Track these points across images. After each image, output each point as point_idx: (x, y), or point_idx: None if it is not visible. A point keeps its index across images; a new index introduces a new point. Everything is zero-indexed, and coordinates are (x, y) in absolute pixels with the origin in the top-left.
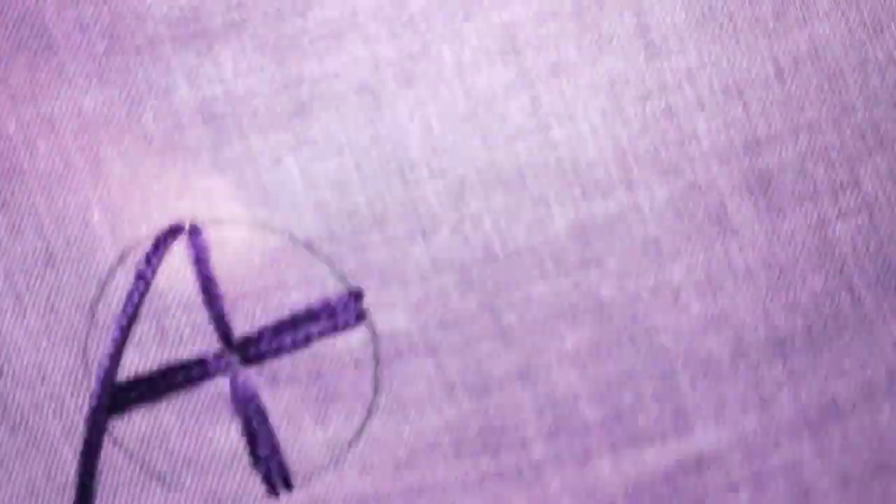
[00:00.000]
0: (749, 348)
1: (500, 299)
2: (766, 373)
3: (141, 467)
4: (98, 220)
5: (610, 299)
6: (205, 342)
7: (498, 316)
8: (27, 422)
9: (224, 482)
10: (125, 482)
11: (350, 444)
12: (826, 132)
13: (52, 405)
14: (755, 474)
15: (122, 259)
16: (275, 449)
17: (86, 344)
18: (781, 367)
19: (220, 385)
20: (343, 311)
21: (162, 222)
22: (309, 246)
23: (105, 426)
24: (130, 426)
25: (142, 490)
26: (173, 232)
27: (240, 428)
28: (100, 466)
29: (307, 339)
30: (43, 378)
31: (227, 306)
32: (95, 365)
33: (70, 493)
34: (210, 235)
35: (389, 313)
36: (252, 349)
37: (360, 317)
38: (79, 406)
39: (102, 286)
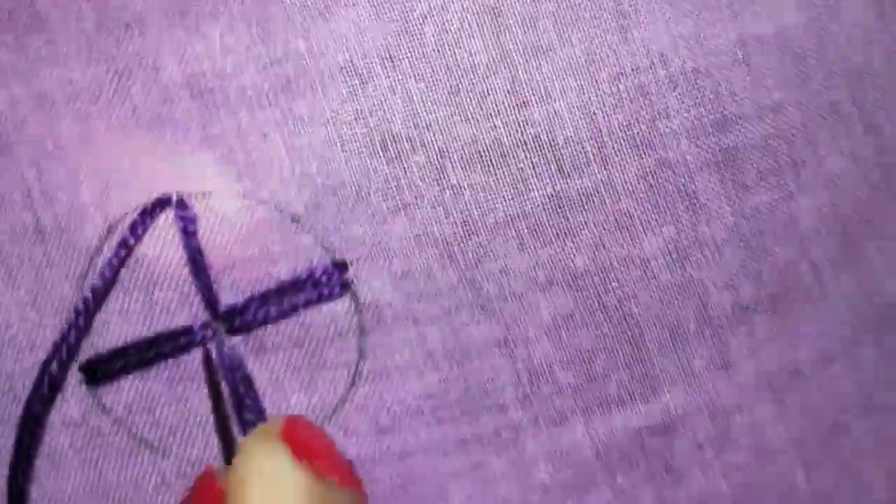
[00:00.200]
0: (714, 316)
1: (479, 271)
2: (731, 340)
3: (128, 434)
4: (87, 193)
5: (584, 270)
6: (192, 312)
7: (477, 287)
8: (16, 389)
9: (210, 449)
10: (113, 449)
11: (334, 410)
12: (789, 112)
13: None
14: (719, 435)
15: (110, 232)
16: (261, 415)
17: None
18: (745, 334)
19: (208, 353)
20: (328, 281)
21: (150, 196)
22: (295, 219)
23: (55, 393)
24: (118, 394)
25: (129, 457)
26: (160, 203)
27: (227, 394)
28: (41, 442)
29: (293, 309)
30: (31, 347)
31: (214, 277)
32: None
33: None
34: (197, 208)
35: (373, 284)
36: (238, 318)
37: (345, 287)
38: (65, 374)
39: (91, 258)
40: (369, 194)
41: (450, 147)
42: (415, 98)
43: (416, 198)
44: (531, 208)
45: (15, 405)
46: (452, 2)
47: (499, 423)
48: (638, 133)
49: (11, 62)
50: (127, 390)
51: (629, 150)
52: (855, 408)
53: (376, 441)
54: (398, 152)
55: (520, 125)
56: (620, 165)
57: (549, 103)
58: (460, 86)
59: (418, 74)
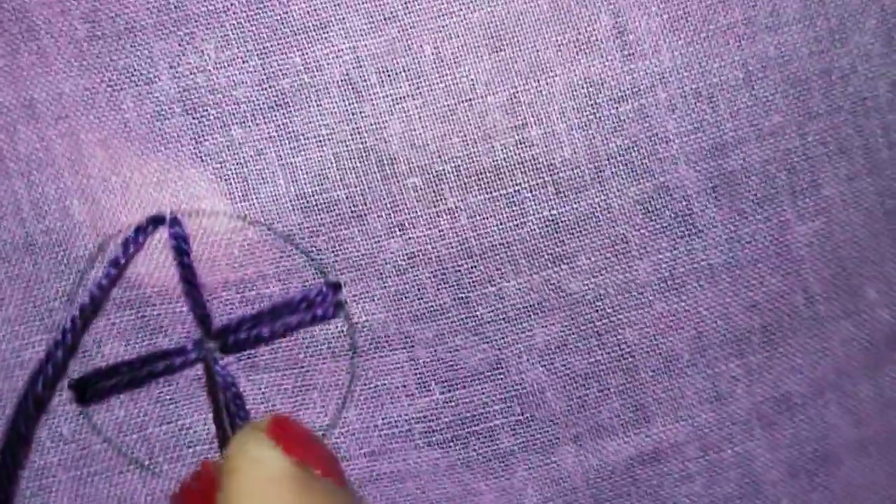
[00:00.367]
0: (708, 345)
1: (473, 293)
2: (723, 369)
3: (119, 453)
4: (78, 208)
5: (579, 295)
6: (185, 331)
7: (471, 310)
8: (4, 407)
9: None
10: (103, 467)
11: (325, 432)
12: (790, 137)
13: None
14: (709, 465)
15: (101, 249)
16: None
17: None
18: (738, 363)
19: (199, 373)
20: (321, 302)
21: (142, 212)
22: (288, 238)
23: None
24: (109, 413)
25: (119, 475)
26: (154, 222)
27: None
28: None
29: (286, 329)
30: (21, 364)
31: (207, 296)
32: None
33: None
34: (190, 226)
35: (366, 305)
36: (231, 338)
37: (338, 308)
38: (56, 392)
39: (81, 275)
40: (364, 214)
41: (446, 168)
42: (412, 117)
43: (411, 218)
44: (527, 232)
45: (2, 423)
46: (452, 21)
47: (489, 449)
48: (636, 157)
49: (3, 70)
50: (118, 409)
51: (627, 175)
52: (847, 441)
53: (367, 463)
54: (394, 172)
55: (517, 146)
56: (618, 189)
57: (547, 125)
58: (458, 105)
59: (416, 93)
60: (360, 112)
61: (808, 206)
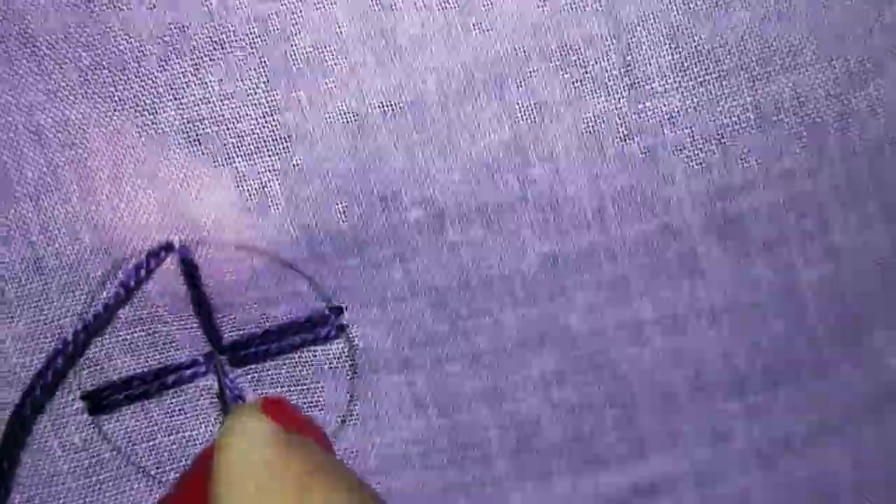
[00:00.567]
0: (707, 384)
1: (471, 324)
2: (723, 408)
3: (128, 462)
4: (87, 233)
5: (576, 330)
6: (194, 347)
7: (469, 339)
8: None
9: None
10: (112, 476)
11: None
12: (801, 181)
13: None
14: (703, 501)
15: (113, 271)
16: None
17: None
18: (738, 403)
19: (209, 384)
20: (324, 324)
21: (152, 239)
22: (292, 266)
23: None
24: (120, 422)
25: (128, 484)
26: (165, 249)
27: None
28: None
29: (290, 347)
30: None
31: (217, 315)
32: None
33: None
34: (199, 254)
35: (367, 329)
36: (241, 352)
37: (340, 330)
38: (65, 405)
39: (93, 296)
40: (366, 245)
41: (449, 203)
42: (415, 151)
43: (412, 250)
44: (527, 266)
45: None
46: (457, 57)
47: (484, 475)
48: (641, 197)
49: (9, 96)
50: (128, 419)
51: (631, 214)
52: (847, 484)
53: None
54: (397, 206)
55: (520, 183)
56: (620, 228)
57: (551, 162)
58: (462, 141)
59: (419, 127)
60: (364, 146)
61: (816, 252)
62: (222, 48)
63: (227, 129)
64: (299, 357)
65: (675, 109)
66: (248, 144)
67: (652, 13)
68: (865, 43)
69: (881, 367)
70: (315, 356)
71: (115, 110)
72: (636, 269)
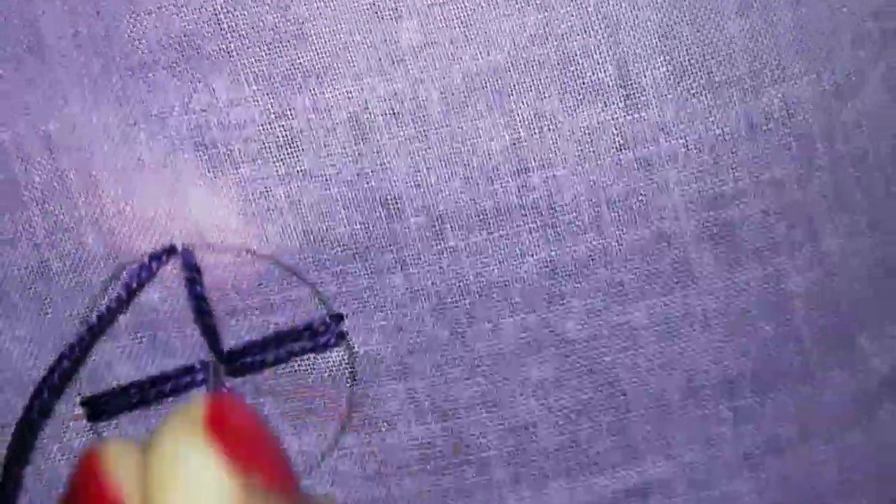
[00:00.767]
0: (699, 389)
1: (470, 329)
2: (713, 412)
3: None
4: (92, 236)
5: (573, 336)
6: (194, 354)
7: (468, 345)
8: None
9: None
10: None
11: (323, 456)
12: (790, 190)
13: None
14: (696, 502)
15: (115, 275)
16: None
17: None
18: (728, 406)
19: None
20: (324, 331)
21: (156, 243)
22: (294, 272)
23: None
24: (119, 429)
25: None
26: (167, 253)
27: None
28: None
29: (289, 356)
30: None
31: (217, 322)
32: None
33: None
34: (201, 258)
35: (367, 336)
36: (238, 361)
37: (340, 338)
38: (68, 408)
39: (95, 300)
40: (368, 250)
41: (449, 209)
42: (417, 158)
43: (413, 256)
44: (525, 272)
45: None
46: (458, 66)
47: (482, 479)
48: (636, 204)
49: (17, 99)
50: (127, 425)
51: (626, 221)
52: (834, 485)
53: (363, 488)
54: (398, 211)
55: (519, 189)
56: (616, 235)
57: (549, 169)
58: (462, 148)
59: (421, 135)
60: (367, 153)
61: (805, 258)
62: (229, 56)
63: (233, 134)
64: (298, 365)
65: (669, 120)
66: (253, 150)
67: (647, 26)
68: (851, 57)
69: (867, 370)
70: (315, 364)
71: (123, 116)
72: (632, 275)
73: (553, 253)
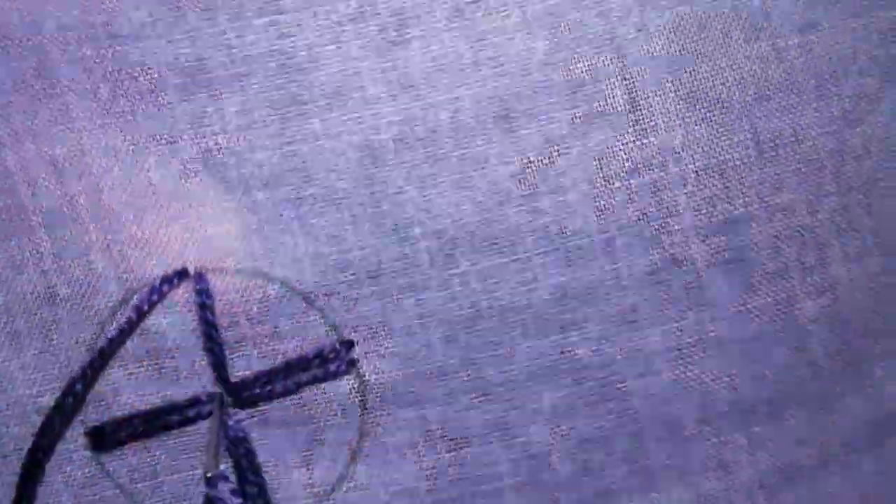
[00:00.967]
0: (714, 415)
1: (482, 355)
2: (729, 438)
3: (130, 501)
4: (101, 262)
5: (587, 362)
6: (201, 384)
7: (480, 371)
8: (21, 450)
9: None
10: None
11: (333, 488)
12: (800, 214)
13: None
14: None
15: (124, 301)
16: (262, 489)
17: None
18: (743, 433)
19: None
20: (334, 359)
21: (166, 268)
22: (305, 296)
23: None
24: (123, 460)
25: None
26: (178, 276)
27: (230, 467)
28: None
29: (298, 386)
30: (37, 410)
31: (226, 350)
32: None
33: None
34: (213, 283)
35: (378, 363)
36: (246, 393)
37: (351, 365)
38: (72, 437)
39: (103, 326)
40: (379, 275)
41: (459, 233)
42: (427, 183)
43: (424, 281)
44: (536, 298)
45: (19, 464)
46: (469, 92)
47: None
48: (647, 229)
49: (24, 123)
50: (131, 456)
51: (638, 246)
52: None
53: None
54: (409, 236)
55: (530, 214)
56: (628, 260)
57: (559, 194)
58: (472, 173)
59: (432, 159)
60: (377, 177)
61: (816, 283)
62: (240, 80)
63: (244, 159)
64: (308, 395)
65: (679, 145)
66: (265, 174)
67: (656, 52)
68: (858, 83)
69: (881, 396)
70: (325, 393)
71: (132, 140)
72: (644, 300)
73: (564, 278)
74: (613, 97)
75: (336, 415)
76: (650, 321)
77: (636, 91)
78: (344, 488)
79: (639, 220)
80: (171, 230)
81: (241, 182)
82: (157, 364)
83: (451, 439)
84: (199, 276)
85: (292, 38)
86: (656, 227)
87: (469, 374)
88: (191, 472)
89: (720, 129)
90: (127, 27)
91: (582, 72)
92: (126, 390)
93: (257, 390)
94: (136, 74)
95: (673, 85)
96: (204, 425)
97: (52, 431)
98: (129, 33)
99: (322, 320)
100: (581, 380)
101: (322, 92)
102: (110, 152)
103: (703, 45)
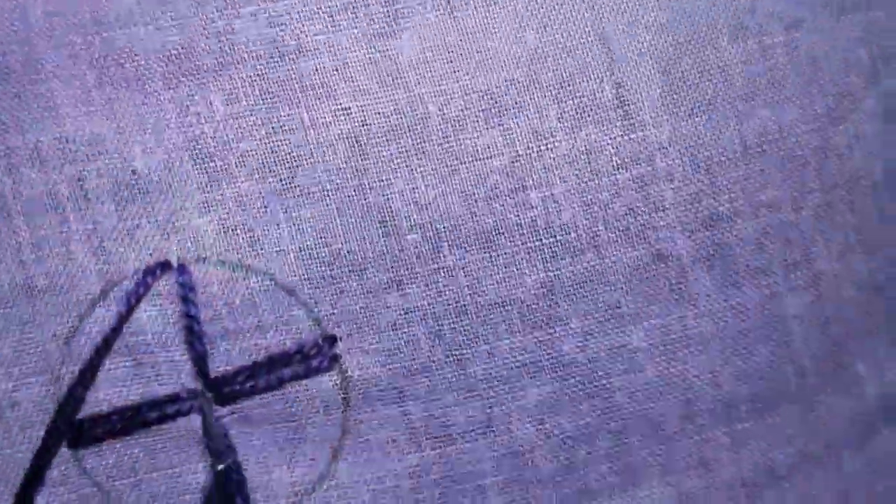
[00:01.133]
0: (697, 412)
1: (467, 351)
2: (711, 436)
3: (109, 499)
4: (82, 253)
5: (571, 358)
6: (180, 380)
7: (464, 367)
8: None
9: None
10: None
11: (315, 487)
12: (784, 211)
13: (22, 433)
14: None
15: (104, 293)
16: (242, 487)
17: (59, 374)
18: (726, 431)
19: (192, 422)
20: (317, 355)
21: (148, 259)
22: (289, 289)
23: (55, 450)
24: (101, 458)
25: None
26: (161, 268)
27: (209, 465)
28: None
29: (280, 381)
30: (13, 405)
31: (207, 345)
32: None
33: None
34: (196, 274)
35: (361, 359)
36: (226, 389)
37: (334, 360)
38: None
39: (81, 319)
40: (364, 269)
41: (446, 226)
42: (415, 175)
43: (409, 275)
44: (522, 292)
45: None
46: (457, 84)
47: None
48: (633, 224)
49: (7, 111)
50: (109, 454)
51: (623, 241)
52: None
53: None
54: (395, 228)
55: (517, 208)
56: (614, 255)
57: (547, 189)
58: (460, 166)
59: (419, 152)
60: (364, 169)
61: (799, 280)
62: (227, 69)
63: (230, 148)
64: (290, 391)
65: (665, 140)
66: (251, 164)
67: (643, 48)
68: (843, 81)
69: (864, 394)
70: (307, 389)
71: (117, 128)
72: (629, 296)
73: (551, 273)
74: (601, 92)
75: (318, 412)
76: (635, 318)
77: (624, 87)
78: (325, 486)
79: (625, 214)
80: (154, 220)
81: (226, 171)
82: (135, 359)
83: (435, 437)
84: (182, 269)
85: (281, 27)
86: (642, 222)
87: (454, 371)
88: (170, 470)
89: (706, 126)
90: (114, 13)
91: (570, 67)
92: (104, 386)
93: (237, 386)
94: (123, 61)
95: (660, 81)
96: (182, 422)
97: (58, 434)
98: (116, 20)
99: (306, 314)
100: (566, 376)
101: (310, 82)
102: (94, 140)
103: (690, 41)
